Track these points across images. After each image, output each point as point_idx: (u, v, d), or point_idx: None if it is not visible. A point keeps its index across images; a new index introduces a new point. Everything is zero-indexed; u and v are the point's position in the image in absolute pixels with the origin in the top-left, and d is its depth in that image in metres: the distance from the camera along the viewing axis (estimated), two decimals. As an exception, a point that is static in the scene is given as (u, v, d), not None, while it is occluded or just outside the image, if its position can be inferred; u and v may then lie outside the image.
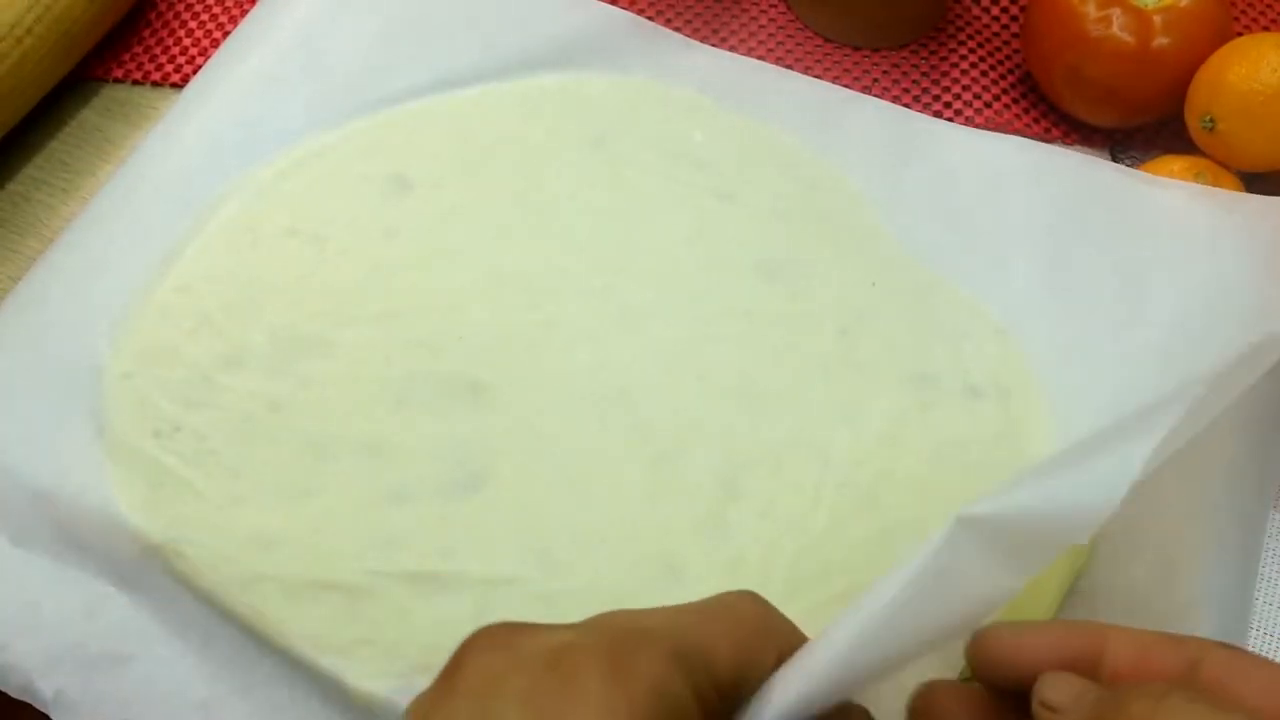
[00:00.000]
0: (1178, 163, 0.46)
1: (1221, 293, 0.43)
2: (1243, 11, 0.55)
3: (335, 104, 0.48)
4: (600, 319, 0.42)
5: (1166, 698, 0.20)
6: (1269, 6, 0.55)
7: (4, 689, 0.37)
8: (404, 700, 0.36)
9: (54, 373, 0.41)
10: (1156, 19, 0.46)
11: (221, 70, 0.49)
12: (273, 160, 0.46)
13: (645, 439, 0.40)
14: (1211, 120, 0.45)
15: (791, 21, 0.55)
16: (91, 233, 0.44)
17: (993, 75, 0.53)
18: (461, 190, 0.46)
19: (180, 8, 0.56)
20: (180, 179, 0.45)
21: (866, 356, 0.42)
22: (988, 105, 0.52)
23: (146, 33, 0.55)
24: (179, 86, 0.53)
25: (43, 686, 0.36)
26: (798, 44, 0.54)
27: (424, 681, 0.35)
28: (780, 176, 0.46)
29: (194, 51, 0.54)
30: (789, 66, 0.53)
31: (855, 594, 0.37)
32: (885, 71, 0.53)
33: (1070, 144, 0.51)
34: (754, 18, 0.55)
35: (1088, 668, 0.24)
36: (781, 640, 0.25)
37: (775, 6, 0.55)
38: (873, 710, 0.26)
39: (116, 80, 0.53)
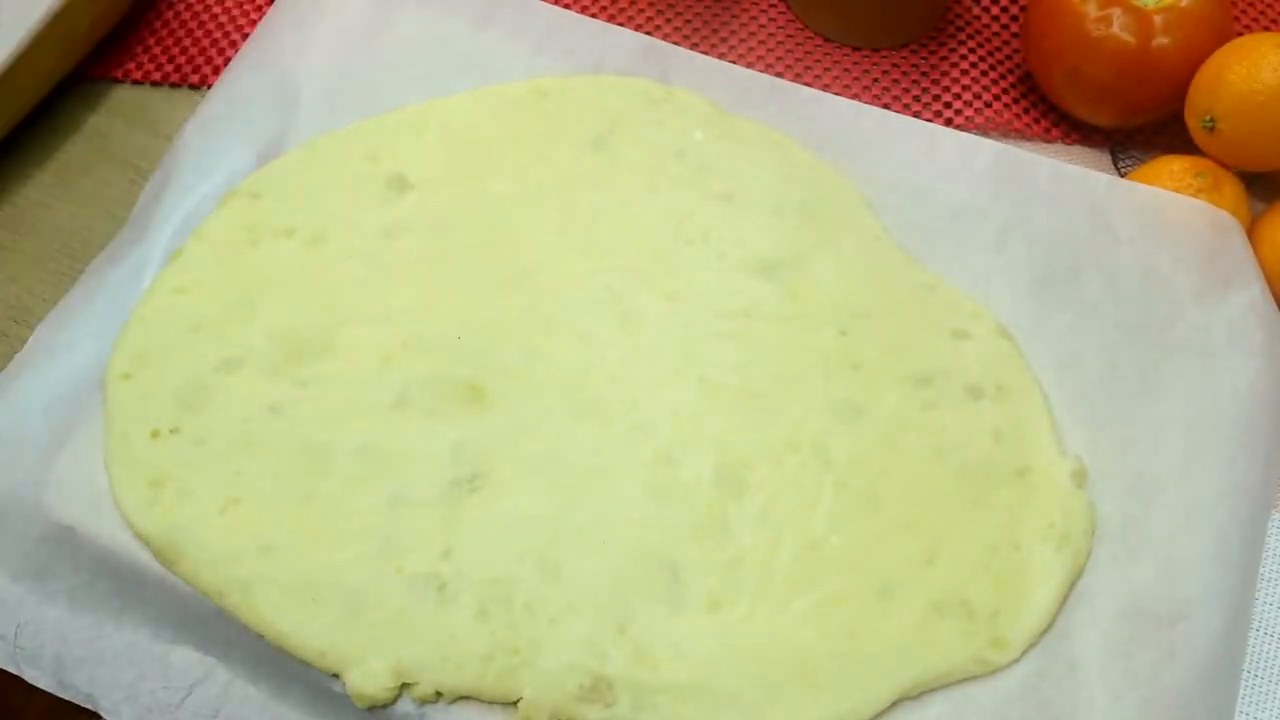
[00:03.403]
0: (1178, 163, 0.46)
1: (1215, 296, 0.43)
2: (1243, 11, 0.55)
3: (336, 104, 0.48)
4: (600, 319, 0.42)
5: None
6: (1269, 6, 0.55)
7: None
8: (404, 702, 0.36)
9: (60, 377, 0.41)
10: (1157, 19, 0.46)
11: (228, 73, 0.49)
12: (272, 161, 0.47)
13: (645, 439, 0.40)
14: (1212, 120, 0.45)
15: (791, 22, 0.55)
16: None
17: (993, 75, 0.53)
18: (460, 191, 0.46)
19: (181, 8, 0.56)
20: (182, 181, 0.46)
21: (866, 356, 0.42)
22: (988, 105, 0.52)
23: (147, 33, 0.55)
24: (179, 86, 0.53)
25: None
26: (797, 44, 0.54)
27: (423, 682, 0.36)
28: (780, 176, 0.46)
29: (194, 52, 0.54)
30: (789, 67, 0.53)
31: (855, 594, 0.37)
32: (885, 71, 0.53)
33: (1070, 144, 0.51)
34: (754, 18, 0.55)
35: None
36: None
37: (775, 7, 0.55)
38: None
39: (116, 80, 0.54)
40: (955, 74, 0.53)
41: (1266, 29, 0.54)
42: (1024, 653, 0.36)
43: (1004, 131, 0.51)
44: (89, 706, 0.37)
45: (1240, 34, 0.47)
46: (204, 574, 0.37)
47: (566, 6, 0.55)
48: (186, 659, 0.37)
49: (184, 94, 0.53)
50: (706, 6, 0.55)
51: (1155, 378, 0.41)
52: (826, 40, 0.54)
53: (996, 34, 0.55)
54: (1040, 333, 0.42)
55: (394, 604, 0.37)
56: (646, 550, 0.38)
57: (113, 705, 0.37)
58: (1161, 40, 0.46)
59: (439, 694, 0.36)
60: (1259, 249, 0.44)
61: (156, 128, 0.52)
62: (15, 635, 0.38)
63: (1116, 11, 0.47)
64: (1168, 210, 0.44)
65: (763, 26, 0.55)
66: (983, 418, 0.40)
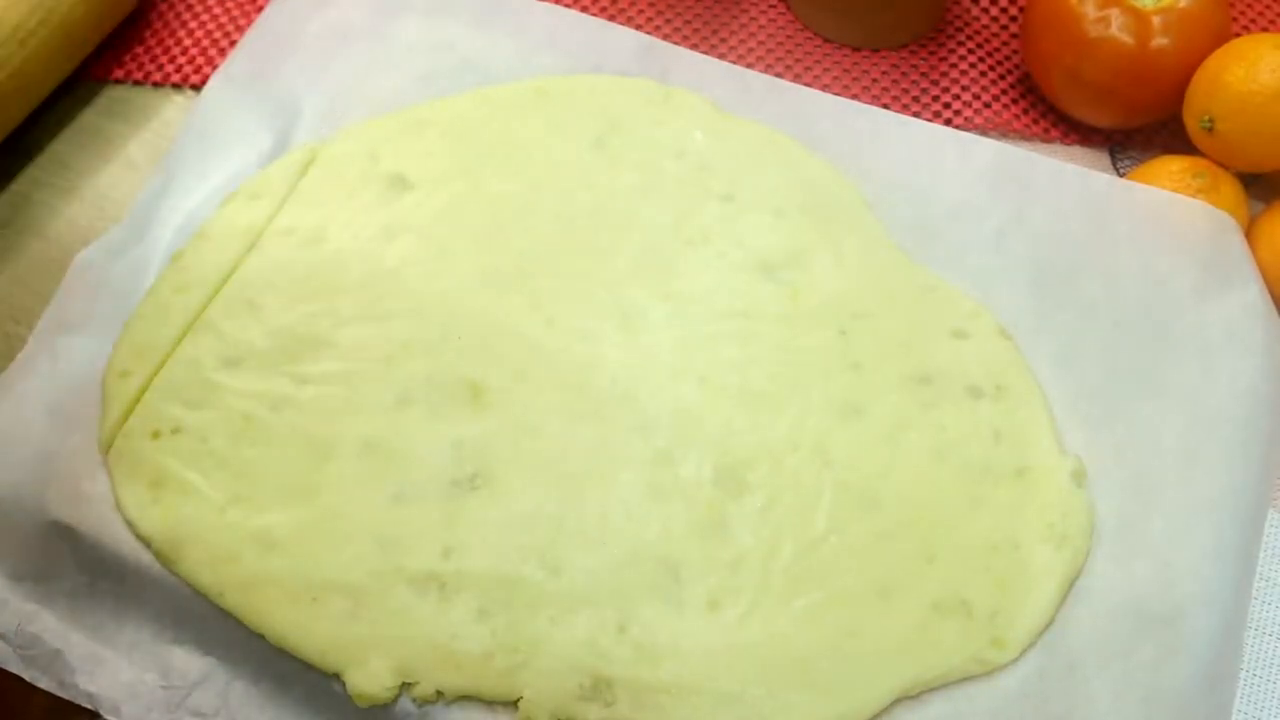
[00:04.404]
0: (1177, 163, 0.46)
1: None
2: (1241, 12, 0.55)
3: (336, 105, 0.48)
4: (600, 319, 0.42)
5: None
6: (1267, 7, 0.55)
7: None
8: (405, 702, 0.36)
9: (61, 377, 0.41)
10: (1155, 20, 0.46)
11: (223, 74, 0.49)
12: (273, 161, 0.47)
13: (645, 439, 0.40)
14: (1210, 121, 0.45)
15: (791, 23, 0.55)
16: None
17: (992, 75, 0.53)
18: (460, 191, 0.46)
19: (181, 9, 0.56)
20: (183, 181, 0.46)
21: (866, 356, 0.42)
22: (987, 105, 0.52)
23: (147, 33, 0.55)
24: (179, 87, 0.53)
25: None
26: (797, 45, 0.54)
27: (423, 682, 0.36)
28: (780, 176, 0.46)
29: (194, 52, 0.54)
30: (789, 67, 0.53)
31: (855, 594, 0.37)
32: (885, 72, 0.53)
33: (1070, 144, 0.51)
34: (754, 18, 0.55)
35: None
36: None
37: (775, 8, 0.55)
38: None
39: (116, 81, 0.54)
40: (955, 74, 0.53)
41: (1265, 30, 0.55)
42: (1023, 652, 0.36)
43: (1004, 131, 0.51)
44: (89, 706, 0.37)
45: (1239, 35, 0.47)
46: (204, 574, 0.37)
47: (567, 7, 0.55)
48: (186, 659, 0.37)
49: (184, 94, 0.53)
50: (706, 7, 0.55)
51: (1154, 377, 0.41)
52: (826, 40, 0.54)
53: (996, 34, 0.55)
54: (1040, 332, 0.42)
55: (394, 603, 0.37)
56: (646, 550, 0.38)
57: (113, 705, 0.37)
58: (1160, 41, 0.46)
59: (439, 694, 0.36)
60: (1257, 249, 0.44)
61: (156, 128, 0.52)
62: (15, 635, 0.38)
63: (1115, 12, 0.47)
64: (1166, 210, 0.44)
65: (762, 27, 0.55)
66: (982, 417, 0.41)
